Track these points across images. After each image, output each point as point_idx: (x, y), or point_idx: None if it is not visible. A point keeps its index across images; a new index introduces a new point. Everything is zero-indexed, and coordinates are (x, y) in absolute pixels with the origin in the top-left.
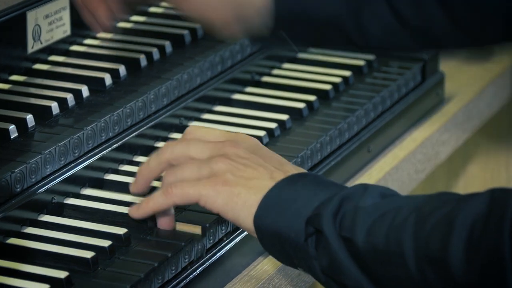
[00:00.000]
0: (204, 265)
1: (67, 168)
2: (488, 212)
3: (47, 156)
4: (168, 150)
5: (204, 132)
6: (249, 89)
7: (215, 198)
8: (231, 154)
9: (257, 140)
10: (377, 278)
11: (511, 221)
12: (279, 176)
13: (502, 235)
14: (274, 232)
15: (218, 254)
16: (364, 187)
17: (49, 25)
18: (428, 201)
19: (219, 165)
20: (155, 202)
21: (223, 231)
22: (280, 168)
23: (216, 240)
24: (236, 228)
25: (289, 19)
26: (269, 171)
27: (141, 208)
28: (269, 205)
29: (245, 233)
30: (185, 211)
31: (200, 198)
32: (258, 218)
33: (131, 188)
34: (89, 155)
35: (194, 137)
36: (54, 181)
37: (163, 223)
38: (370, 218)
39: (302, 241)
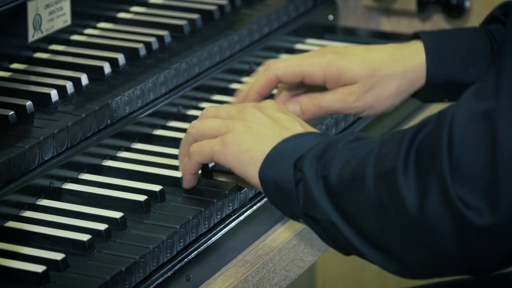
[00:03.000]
0: (201, 247)
1: (65, 154)
2: (434, 126)
3: (46, 141)
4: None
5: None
6: (246, 79)
7: (225, 153)
8: (248, 115)
9: (277, 105)
10: (343, 209)
11: (450, 119)
12: (287, 134)
13: (441, 132)
14: (274, 183)
15: (213, 238)
16: (351, 133)
17: (49, 14)
18: (391, 133)
19: (235, 125)
20: (184, 166)
21: (218, 216)
22: (290, 127)
23: (211, 225)
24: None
25: (440, 87)
26: (279, 130)
27: (183, 177)
28: (271, 159)
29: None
30: None
31: (213, 154)
32: (261, 171)
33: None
34: (88, 141)
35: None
36: (53, 167)
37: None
38: (346, 156)
39: (294, 188)
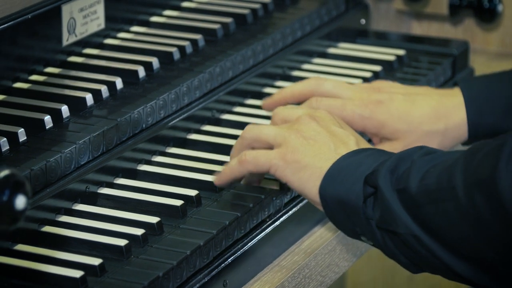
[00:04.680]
0: (238, 253)
1: (101, 159)
2: None
3: (82, 146)
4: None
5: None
6: (280, 83)
7: (284, 168)
8: (304, 125)
9: (331, 116)
10: (426, 221)
11: None
12: (344, 151)
13: None
14: (337, 199)
15: (250, 243)
16: (420, 147)
17: (83, 18)
18: (478, 144)
19: (292, 138)
20: (231, 169)
21: (254, 221)
22: (346, 142)
23: (248, 230)
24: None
25: (483, 137)
26: (335, 146)
27: (221, 176)
28: (333, 175)
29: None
30: None
31: (270, 167)
32: (322, 188)
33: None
34: (123, 145)
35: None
36: (89, 171)
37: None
38: (424, 168)
39: (361, 203)
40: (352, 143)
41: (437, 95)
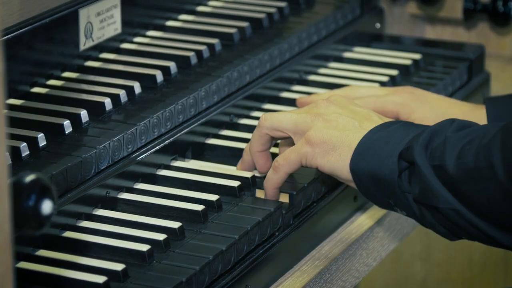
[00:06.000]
0: (260, 258)
1: (120, 164)
2: None
3: (101, 151)
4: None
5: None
6: (296, 87)
7: (313, 153)
8: (323, 109)
9: (347, 99)
10: (466, 197)
11: None
12: (369, 126)
13: None
14: (369, 174)
15: (271, 248)
16: (452, 120)
17: (100, 22)
18: None
19: (314, 122)
20: (270, 181)
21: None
22: (369, 118)
23: (264, 238)
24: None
25: None
26: (360, 122)
27: (267, 192)
28: (363, 150)
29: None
30: None
31: (301, 158)
32: (353, 163)
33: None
34: (142, 150)
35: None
36: (109, 176)
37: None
38: (459, 144)
39: (396, 177)
40: (376, 117)
41: (469, 105)
